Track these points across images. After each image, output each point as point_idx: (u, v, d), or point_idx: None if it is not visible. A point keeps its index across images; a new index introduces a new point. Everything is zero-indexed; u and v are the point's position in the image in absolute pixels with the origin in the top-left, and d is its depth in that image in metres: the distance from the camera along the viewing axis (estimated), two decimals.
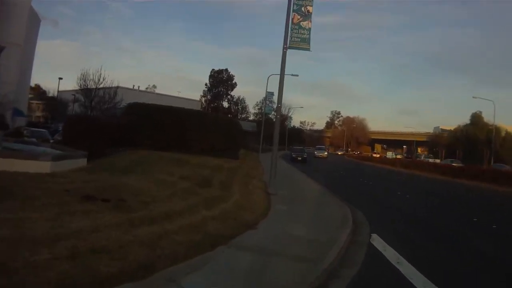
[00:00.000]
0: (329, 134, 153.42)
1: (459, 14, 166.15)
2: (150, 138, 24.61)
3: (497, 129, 66.40)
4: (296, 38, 16.32)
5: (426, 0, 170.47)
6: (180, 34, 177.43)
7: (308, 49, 16.39)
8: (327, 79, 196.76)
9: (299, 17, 16.39)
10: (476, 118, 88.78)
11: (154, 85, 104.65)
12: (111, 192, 10.68)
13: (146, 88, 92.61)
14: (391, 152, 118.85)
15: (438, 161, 69.23)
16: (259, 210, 11.51)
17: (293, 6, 16.31)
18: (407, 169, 49.56)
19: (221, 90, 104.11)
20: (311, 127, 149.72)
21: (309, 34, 16.36)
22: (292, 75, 57.25)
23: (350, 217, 12.39)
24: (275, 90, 52.49)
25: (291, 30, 16.32)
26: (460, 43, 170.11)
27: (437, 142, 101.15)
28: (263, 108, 76.38)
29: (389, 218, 14.06)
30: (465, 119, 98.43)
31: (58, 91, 66.42)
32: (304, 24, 16.35)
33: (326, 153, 75.11)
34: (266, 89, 54.08)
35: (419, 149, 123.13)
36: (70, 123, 24.90)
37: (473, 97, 56.26)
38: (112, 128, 24.41)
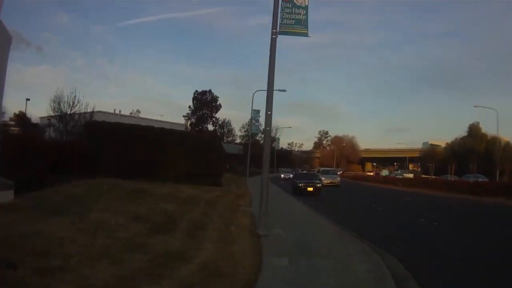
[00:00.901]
0: (318, 155, 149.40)
1: (443, 29, 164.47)
2: (111, 163, 20.10)
3: (497, 140, 62.71)
4: (289, 20, 11.96)
5: (410, 16, 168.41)
6: (163, 58, 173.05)
7: (305, 34, 12.03)
8: (314, 99, 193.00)
9: None
10: (474, 130, 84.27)
11: (138, 109, 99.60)
12: (6, 248, 6.58)
13: (130, 113, 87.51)
14: (385, 170, 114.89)
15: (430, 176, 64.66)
16: (244, 273, 6.94)
17: None
18: (410, 188, 44.99)
19: (205, 112, 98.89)
20: (299, 148, 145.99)
21: (307, 14, 12.02)
22: (280, 90, 53.87)
23: (387, 271, 7.98)
24: (261, 107, 48.16)
25: (282, 9, 11.97)
26: (445, 58, 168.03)
27: (431, 156, 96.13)
28: (249, 130, 71.93)
29: (435, 263, 9.61)
30: (455, 134, 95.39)
31: (26, 112, 62.25)
32: (299, 1, 12.05)
33: (338, 178, 52.18)
34: (252, 107, 49.33)
35: (410, 165, 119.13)
36: (6, 145, 20.28)
37: (475, 106, 51.14)
38: (66, 151, 19.98)
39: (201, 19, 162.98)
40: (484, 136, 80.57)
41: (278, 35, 11.87)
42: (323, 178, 42.02)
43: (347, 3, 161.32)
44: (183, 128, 78.98)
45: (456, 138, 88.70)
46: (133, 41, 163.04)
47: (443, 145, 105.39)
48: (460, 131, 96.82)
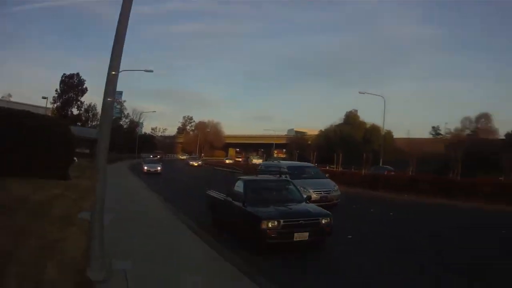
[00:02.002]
0: (181, 140, 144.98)
1: (315, 20, 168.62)
2: None
3: (377, 129, 61.50)
4: None
5: (280, 5, 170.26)
6: (42, 44, 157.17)
7: None
8: (181, 86, 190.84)
9: None
10: (351, 118, 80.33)
11: (9, 93, 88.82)
12: None
13: (2, 97, 76.82)
14: (257, 156, 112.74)
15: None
16: None
17: None
18: None
19: (71, 96, 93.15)
20: (162, 133, 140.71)
21: None
22: (146, 70, 50.53)
23: None
24: (125, 88, 43.87)
25: None
26: (316, 48, 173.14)
27: (299, 144, 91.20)
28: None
29: None
30: (329, 123, 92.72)
31: None
32: None
33: (337, 188, 20.98)
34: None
35: (275, 152, 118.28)
36: None
37: (360, 92, 46.94)
38: None
39: (82, 6, 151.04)
40: (362, 124, 78.71)
41: None
42: (302, 188, 16.56)
43: None
44: (43, 112, 70.96)
45: (331, 125, 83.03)
46: (12, 25, 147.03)
47: (310, 132, 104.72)
48: (334, 119, 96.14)
